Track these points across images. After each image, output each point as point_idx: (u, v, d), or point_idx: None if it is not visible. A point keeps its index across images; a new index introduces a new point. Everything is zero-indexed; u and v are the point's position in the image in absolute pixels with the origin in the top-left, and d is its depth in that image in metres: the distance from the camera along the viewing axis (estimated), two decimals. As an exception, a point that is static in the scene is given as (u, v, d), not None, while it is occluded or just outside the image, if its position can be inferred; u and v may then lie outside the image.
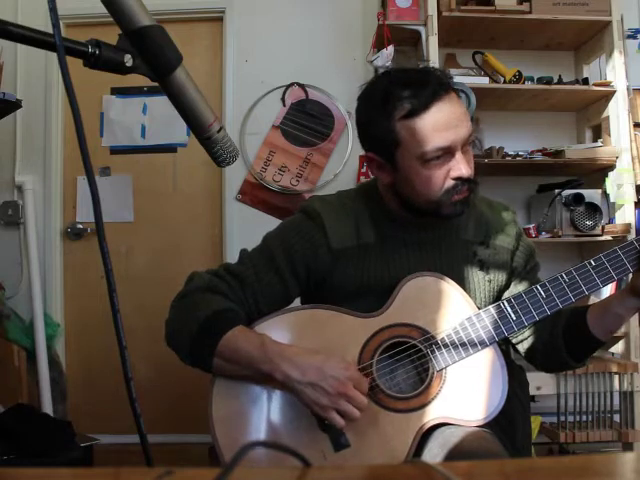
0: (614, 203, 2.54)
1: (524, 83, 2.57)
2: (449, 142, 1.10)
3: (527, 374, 1.37)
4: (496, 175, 2.67)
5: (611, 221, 2.56)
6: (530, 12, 2.49)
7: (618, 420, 2.44)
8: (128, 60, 0.73)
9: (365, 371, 1.14)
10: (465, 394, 1.14)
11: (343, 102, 2.86)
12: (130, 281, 2.85)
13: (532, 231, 2.49)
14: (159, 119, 2.91)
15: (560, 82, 2.62)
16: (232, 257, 2.71)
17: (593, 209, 2.47)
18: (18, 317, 2.72)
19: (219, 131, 0.85)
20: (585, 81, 2.62)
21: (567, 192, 2.50)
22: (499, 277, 1.26)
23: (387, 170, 1.18)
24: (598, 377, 2.37)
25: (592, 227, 2.46)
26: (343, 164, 2.86)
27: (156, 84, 0.78)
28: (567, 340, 1.23)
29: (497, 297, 1.27)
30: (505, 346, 1.31)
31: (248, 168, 2.86)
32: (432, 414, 1.12)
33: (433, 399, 1.13)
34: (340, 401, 1.06)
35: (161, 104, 2.83)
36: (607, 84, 2.54)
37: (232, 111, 2.87)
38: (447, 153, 1.12)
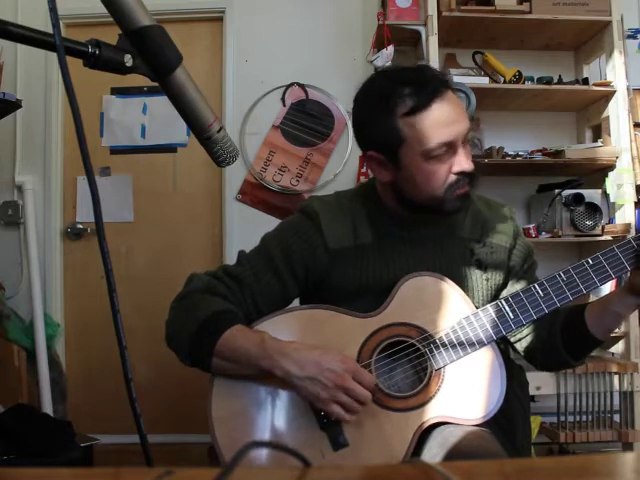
0: (614, 203, 2.54)
1: (524, 83, 2.57)
2: (452, 137, 1.12)
3: (527, 374, 1.37)
4: (496, 175, 2.67)
5: (611, 221, 2.56)
6: (530, 12, 2.49)
7: (618, 420, 2.44)
8: (128, 60, 0.73)
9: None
10: (463, 393, 1.14)
11: (343, 102, 2.86)
12: (130, 281, 2.85)
13: (532, 231, 2.49)
14: (159, 119, 2.91)
15: (560, 82, 2.62)
16: (232, 257, 2.70)
17: (593, 209, 2.47)
18: (18, 317, 2.72)
19: (219, 131, 0.85)
20: (585, 81, 2.62)
21: (567, 192, 2.50)
22: (496, 276, 1.27)
23: (388, 168, 1.18)
24: (598, 377, 2.37)
25: (592, 227, 2.46)
26: (343, 164, 2.86)
27: (156, 84, 0.78)
28: (565, 339, 1.23)
29: (495, 296, 1.27)
30: (504, 345, 1.31)
31: (248, 168, 2.86)
32: (431, 413, 1.12)
33: (432, 398, 1.13)
34: (339, 394, 1.07)
35: (161, 104, 2.83)
36: (607, 84, 2.54)
37: (232, 111, 2.87)
38: (450, 148, 1.13)
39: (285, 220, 1.30)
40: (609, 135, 2.60)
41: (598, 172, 2.63)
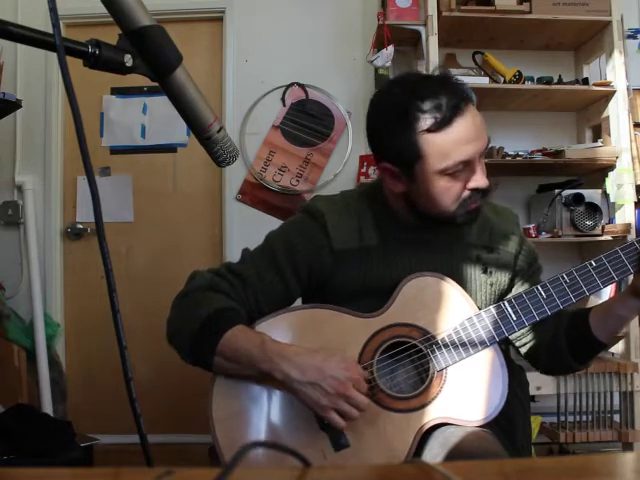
0: (614, 203, 2.54)
1: (524, 83, 2.57)
2: (470, 156, 1.10)
3: (527, 374, 1.37)
4: (496, 175, 2.66)
5: (611, 221, 2.56)
6: (530, 12, 2.49)
7: (618, 420, 2.44)
8: (128, 60, 0.73)
9: (366, 371, 1.14)
10: (465, 394, 1.14)
11: (343, 102, 2.86)
12: (130, 281, 2.85)
13: (532, 231, 2.48)
14: (159, 119, 2.91)
15: (560, 82, 2.62)
16: (232, 257, 2.71)
17: (593, 209, 2.47)
18: (18, 317, 2.72)
19: (219, 131, 0.85)
20: (585, 81, 2.62)
21: (567, 192, 2.50)
22: (501, 281, 1.26)
23: (402, 180, 1.17)
24: (598, 377, 2.37)
25: (592, 227, 2.46)
26: (343, 164, 2.86)
27: (156, 84, 0.78)
28: (570, 342, 1.23)
29: (498, 300, 1.27)
30: (505, 346, 1.31)
31: (248, 168, 2.86)
32: (432, 414, 1.12)
33: (433, 399, 1.13)
34: (339, 401, 1.06)
35: (161, 104, 2.83)
36: (607, 84, 2.54)
37: (232, 111, 2.87)
38: (467, 165, 1.12)
39: (289, 219, 1.29)
40: (609, 135, 2.60)
41: (598, 172, 2.63)
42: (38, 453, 2.06)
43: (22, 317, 2.74)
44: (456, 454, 1.02)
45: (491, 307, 1.17)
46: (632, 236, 2.38)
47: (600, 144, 2.59)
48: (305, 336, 1.16)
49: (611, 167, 2.55)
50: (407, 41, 2.71)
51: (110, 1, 0.71)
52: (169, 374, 2.71)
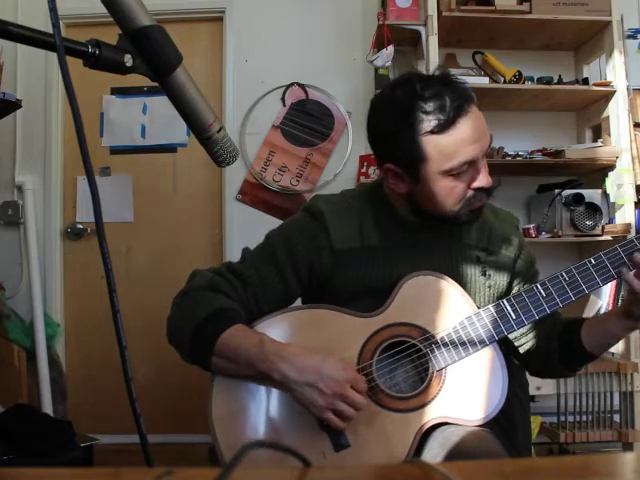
0: (614, 203, 2.54)
1: (524, 83, 2.57)
2: (474, 156, 1.11)
3: (527, 374, 1.37)
4: (496, 175, 2.65)
5: (611, 221, 2.56)
6: (530, 12, 2.49)
7: (618, 420, 2.44)
8: (128, 60, 0.73)
9: (365, 371, 1.14)
10: (465, 394, 1.14)
11: (343, 102, 2.86)
12: (130, 281, 2.85)
13: (532, 231, 2.48)
14: (159, 119, 2.91)
15: (560, 82, 2.62)
16: (232, 257, 2.71)
17: (593, 209, 2.47)
18: (18, 317, 2.73)
19: (219, 131, 0.85)
20: (585, 81, 2.62)
21: (567, 192, 2.50)
22: (500, 283, 1.26)
23: (406, 181, 1.17)
24: (598, 377, 2.37)
25: (592, 227, 2.46)
26: (343, 164, 2.86)
27: (156, 84, 0.78)
28: (561, 351, 1.24)
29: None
30: (505, 346, 1.31)
31: (248, 168, 2.86)
32: (432, 414, 1.12)
33: (433, 399, 1.13)
34: (336, 401, 1.06)
35: (161, 104, 2.83)
36: (607, 84, 2.54)
37: (232, 111, 2.87)
38: (471, 165, 1.12)
39: (290, 219, 1.29)
40: (609, 135, 2.60)
41: (598, 172, 2.63)
42: (38, 453, 2.06)
43: (22, 317, 2.74)
44: (456, 454, 1.02)
45: (490, 306, 1.17)
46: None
47: (600, 144, 2.59)
48: (304, 336, 1.16)
49: (611, 167, 2.55)
50: (407, 41, 2.71)
51: (110, 1, 0.71)
52: (169, 374, 2.71)
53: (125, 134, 2.93)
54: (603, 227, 2.47)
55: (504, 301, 1.17)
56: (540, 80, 2.59)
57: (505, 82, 2.58)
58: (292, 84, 2.87)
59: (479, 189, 1.14)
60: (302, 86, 2.87)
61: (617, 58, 2.51)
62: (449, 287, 1.18)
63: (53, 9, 0.63)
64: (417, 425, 1.11)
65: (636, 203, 2.50)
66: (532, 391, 2.14)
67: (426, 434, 1.12)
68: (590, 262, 1.15)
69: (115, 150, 2.94)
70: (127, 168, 2.93)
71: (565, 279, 1.15)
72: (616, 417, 2.46)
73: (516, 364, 1.33)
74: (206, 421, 1.13)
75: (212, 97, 2.84)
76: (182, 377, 2.54)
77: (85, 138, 0.65)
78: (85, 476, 0.58)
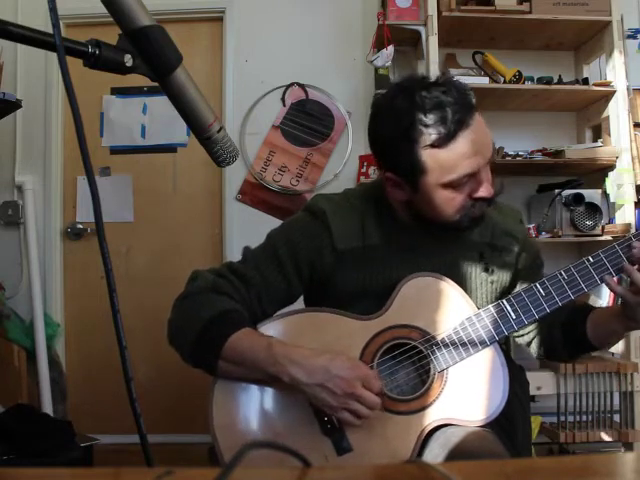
0: (614, 203, 2.54)
1: (524, 83, 2.57)
2: (475, 169, 1.10)
3: (527, 374, 1.37)
4: (496, 175, 2.66)
5: (611, 221, 2.56)
6: (530, 12, 2.49)
7: (618, 420, 2.44)
8: (128, 60, 0.73)
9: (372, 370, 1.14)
10: (466, 395, 1.13)
11: (343, 102, 2.86)
12: (130, 281, 2.85)
13: (532, 231, 2.48)
14: (159, 119, 2.91)
15: (560, 82, 2.62)
16: (232, 257, 2.70)
17: (593, 209, 2.47)
18: (18, 317, 2.72)
19: (219, 131, 0.85)
20: (585, 81, 2.62)
21: (567, 192, 2.50)
22: (503, 279, 1.26)
23: (406, 190, 1.16)
24: (598, 377, 2.37)
25: (592, 227, 2.46)
26: (343, 164, 2.86)
27: (156, 84, 0.78)
28: (565, 337, 1.25)
29: (499, 298, 1.27)
30: (505, 345, 1.32)
31: (248, 168, 2.86)
32: (434, 416, 1.12)
33: (434, 400, 1.13)
34: (349, 401, 1.06)
35: (161, 104, 2.83)
36: (607, 84, 2.54)
37: (232, 111, 2.87)
38: (472, 177, 1.11)
39: (291, 218, 1.28)
40: (609, 135, 2.60)
41: (598, 172, 2.63)
42: (38, 453, 2.05)
43: (22, 317, 2.74)
44: (457, 454, 1.02)
45: (490, 306, 1.17)
46: (632, 236, 2.37)
47: (600, 144, 2.59)
48: (304, 340, 1.15)
49: (611, 167, 2.55)
50: (407, 41, 2.71)
51: (110, 1, 0.71)
52: (169, 374, 2.71)
53: (125, 134, 2.93)
54: (603, 227, 2.47)
55: (504, 301, 1.17)
56: (540, 80, 2.59)
57: (505, 82, 2.58)
58: (292, 84, 2.87)
59: (479, 199, 1.14)
60: (302, 86, 2.87)
61: (617, 58, 2.51)
62: (449, 288, 1.18)
63: (53, 9, 0.63)
64: (419, 427, 1.11)
65: (636, 203, 2.50)
66: (532, 391, 2.13)
67: (428, 436, 1.12)
68: (588, 260, 1.15)
69: (115, 150, 2.94)
70: (127, 168, 2.93)
71: (564, 278, 1.15)
72: (616, 417, 2.46)
73: (517, 364, 1.33)
74: (207, 425, 1.12)
75: (212, 97, 2.84)
76: (182, 377, 2.53)
77: (85, 138, 0.65)
78: (85, 476, 0.58)
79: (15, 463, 1.98)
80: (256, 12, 2.89)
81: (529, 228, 2.48)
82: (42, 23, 2.42)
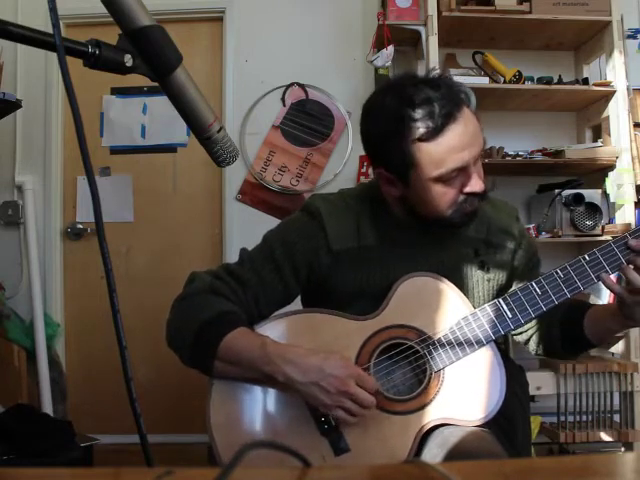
0: (614, 203, 2.54)
1: (524, 83, 2.57)
2: (464, 162, 1.10)
3: (527, 374, 1.37)
4: (496, 175, 2.67)
5: (611, 221, 2.56)
6: (530, 12, 2.49)
7: (618, 420, 2.44)
8: (128, 60, 0.73)
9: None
10: (464, 394, 1.14)
11: (343, 102, 2.86)
12: (130, 281, 2.85)
13: (532, 231, 2.49)
14: (159, 119, 2.91)
15: (560, 82, 2.62)
16: (232, 257, 2.71)
17: (593, 209, 2.47)
18: (18, 317, 2.73)
19: (219, 131, 0.85)
20: (585, 81, 2.62)
21: (567, 192, 2.50)
22: (499, 276, 1.26)
23: (398, 186, 1.17)
24: (598, 377, 2.37)
25: (592, 227, 2.46)
26: (343, 164, 2.86)
27: (156, 84, 0.78)
28: (563, 334, 1.26)
29: (496, 296, 1.27)
30: (504, 345, 1.32)
31: (248, 168, 2.86)
32: (431, 415, 1.12)
33: (432, 400, 1.13)
34: (342, 399, 1.06)
35: (161, 104, 2.83)
36: (607, 84, 2.54)
37: (232, 111, 2.87)
38: (462, 171, 1.12)
39: (287, 219, 1.29)
40: (609, 135, 2.60)
41: (598, 172, 2.63)
42: (38, 453, 2.05)
43: (22, 317, 2.74)
44: (455, 454, 1.02)
45: (486, 305, 1.17)
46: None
47: (600, 144, 2.59)
48: (301, 341, 1.15)
49: (611, 167, 2.55)
50: (407, 41, 2.71)
51: (110, 1, 0.71)
52: (169, 374, 2.71)
53: (125, 134, 2.93)
54: (603, 227, 2.47)
55: (500, 301, 1.17)
56: (540, 80, 2.59)
57: (505, 82, 2.58)
58: (292, 84, 2.87)
59: (471, 194, 1.14)
60: (302, 86, 2.87)
61: (617, 58, 2.51)
62: (445, 287, 1.18)
63: (53, 9, 0.63)
64: (417, 427, 1.11)
65: (636, 203, 2.50)
66: (532, 391, 2.14)
67: (425, 434, 1.12)
68: (584, 259, 1.15)
69: (115, 150, 2.94)
70: (127, 168, 2.93)
71: (560, 276, 1.15)
72: (616, 417, 2.46)
73: (516, 364, 1.33)
74: (205, 425, 1.12)
75: (212, 97, 2.84)
76: (182, 377, 2.54)
77: (85, 138, 0.65)
78: (85, 476, 0.58)
79: (15, 463, 1.98)
80: (256, 12, 2.89)
81: (529, 228, 2.48)
82: (42, 23, 2.42)
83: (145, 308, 2.76)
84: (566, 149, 2.51)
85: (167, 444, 2.65)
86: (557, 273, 1.16)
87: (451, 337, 1.15)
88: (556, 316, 1.25)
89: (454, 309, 1.17)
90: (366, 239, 1.21)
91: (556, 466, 0.59)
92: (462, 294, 1.18)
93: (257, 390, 1.14)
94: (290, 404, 1.11)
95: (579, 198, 2.46)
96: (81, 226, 2.92)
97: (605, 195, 2.57)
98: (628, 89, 2.55)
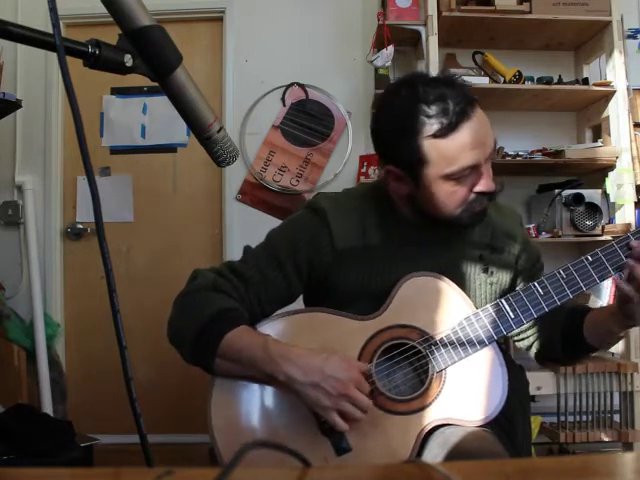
0: (614, 203, 2.54)
1: (524, 83, 2.57)
2: (476, 161, 1.10)
3: (527, 374, 1.37)
4: (496, 175, 2.65)
5: (611, 221, 2.56)
6: (530, 12, 2.49)
7: (618, 420, 2.44)
8: (128, 60, 0.73)
9: (366, 365, 1.13)
10: (465, 394, 1.13)
11: (343, 102, 2.86)
12: (130, 281, 2.85)
13: (532, 231, 2.48)
14: (159, 119, 2.91)
15: (560, 82, 2.62)
16: (232, 257, 2.69)
17: (593, 209, 2.47)
18: (18, 317, 2.73)
19: (219, 131, 0.85)
20: (585, 81, 2.62)
21: (567, 192, 2.50)
22: (502, 280, 1.26)
23: (407, 183, 1.16)
24: (598, 377, 2.37)
25: (592, 227, 2.46)
26: (343, 164, 2.86)
27: (156, 84, 0.78)
28: (563, 340, 1.25)
29: None
30: (505, 345, 1.32)
31: (248, 168, 2.86)
32: (433, 415, 1.12)
33: (433, 400, 1.12)
34: (341, 402, 1.06)
35: (161, 104, 2.83)
36: (607, 84, 2.54)
37: (232, 111, 2.87)
38: (473, 170, 1.12)
39: (292, 217, 1.28)
40: (609, 135, 2.60)
41: (598, 172, 2.63)
42: (38, 453, 2.05)
43: (22, 317, 2.74)
44: (456, 454, 1.02)
45: (489, 306, 1.17)
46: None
47: (600, 144, 2.59)
48: (302, 340, 1.15)
49: (611, 167, 2.55)
50: (407, 41, 2.71)
51: (110, 1, 0.71)
52: (169, 374, 2.71)
53: (125, 134, 2.94)
54: (603, 227, 2.47)
55: (502, 301, 1.17)
56: (540, 80, 2.59)
57: (505, 82, 2.58)
58: (292, 84, 2.87)
59: (481, 193, 1.14)
60: (302, 86, 2.87)
61: (617, 58, 2.51)
62: (447, 288, 1.17)
63: (53, 9, 0.63)
64: (418, 427, 1.11)
65: (636, 203, 2.50)
66: (532, 391, 2.13)
67: (427, 436, 1.12)
68: (587, 259, 1.15)
69: (115, 150, 2.94)
70: (127, 168, 2.93)
71: (563, 277, 1.15)
72: (616, 417, 2.46)
73: (517, 364, 1.33)
74: (206, 425, 1.12)
75: (212, 97, 2.84)
76: (182, 377, 2.54)
77: (85, 138, 0.65)
78: (85, 476, 0.58)
79: (15, 463, 1.98)
80: (256, 12, 2.89)
81: (529, 228, 2.48)
82: (42, 23, 2.42)
83: (145, 308, 2.76)
84: (566, 149, 2.51)
85: (167, 444, 2.65)
86: (559, 273, 1.15)
87: (453, 337, 1.14)
88: (557, 322, 1.25)
89: (456, 309, 1.17)
90: (371, 238, 1.21)
91: (556, 466, 0.59)
92: (464, 294, 1.18)
93: (258, 390, 1.13)
94: (292, 404, 1.11)
95: (579, 198, 2.46)
96: (81, 226, 2.92)
97: (605, 195, 2.57)
98: (628, 89, 2.55)
